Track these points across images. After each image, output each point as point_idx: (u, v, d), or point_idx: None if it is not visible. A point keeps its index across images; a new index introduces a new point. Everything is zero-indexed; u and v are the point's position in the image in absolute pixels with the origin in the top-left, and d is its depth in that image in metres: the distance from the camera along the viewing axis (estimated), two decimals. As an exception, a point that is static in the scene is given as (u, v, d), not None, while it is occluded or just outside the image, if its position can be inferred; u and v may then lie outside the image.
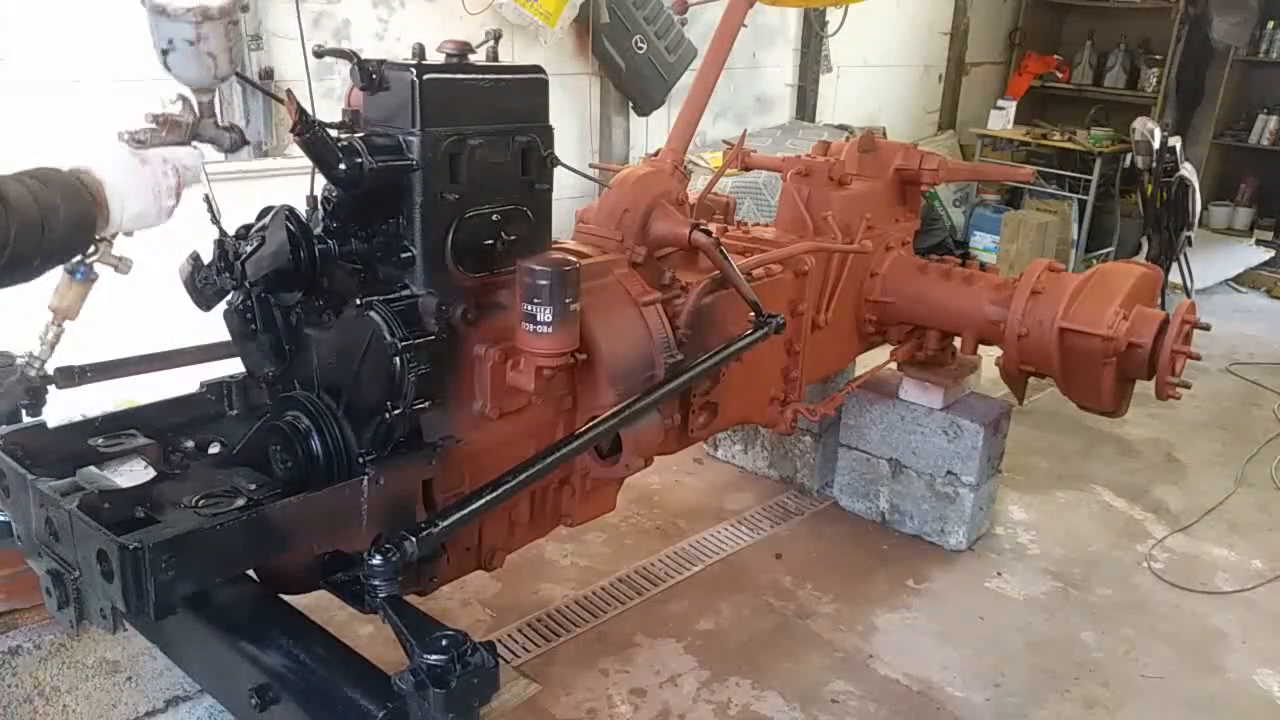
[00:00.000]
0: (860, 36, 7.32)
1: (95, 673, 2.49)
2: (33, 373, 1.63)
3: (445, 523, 1.90)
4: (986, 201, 8.02)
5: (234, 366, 2.31)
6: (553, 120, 2.27)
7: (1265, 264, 7.97)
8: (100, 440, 2.01)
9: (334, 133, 1.99)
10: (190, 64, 1.70)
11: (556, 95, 2.30)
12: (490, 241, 2.17)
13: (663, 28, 5.87)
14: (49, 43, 3.92)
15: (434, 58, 2.06)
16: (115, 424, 2.11)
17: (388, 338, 2.00)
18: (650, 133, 6.25)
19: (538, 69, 2.25)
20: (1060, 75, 9.08)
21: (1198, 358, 3.23)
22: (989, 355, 3.65)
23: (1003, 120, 8.25)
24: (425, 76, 1.99)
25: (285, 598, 2.18)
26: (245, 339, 2.18)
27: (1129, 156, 6.70)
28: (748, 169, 3.70)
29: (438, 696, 1.63)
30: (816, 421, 3.78)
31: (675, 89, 5.99)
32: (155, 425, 2.16)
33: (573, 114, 5.95)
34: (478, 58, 2.14)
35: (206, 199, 2.04)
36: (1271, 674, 3.19)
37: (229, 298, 2.15)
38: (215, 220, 2.08)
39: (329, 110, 2.27)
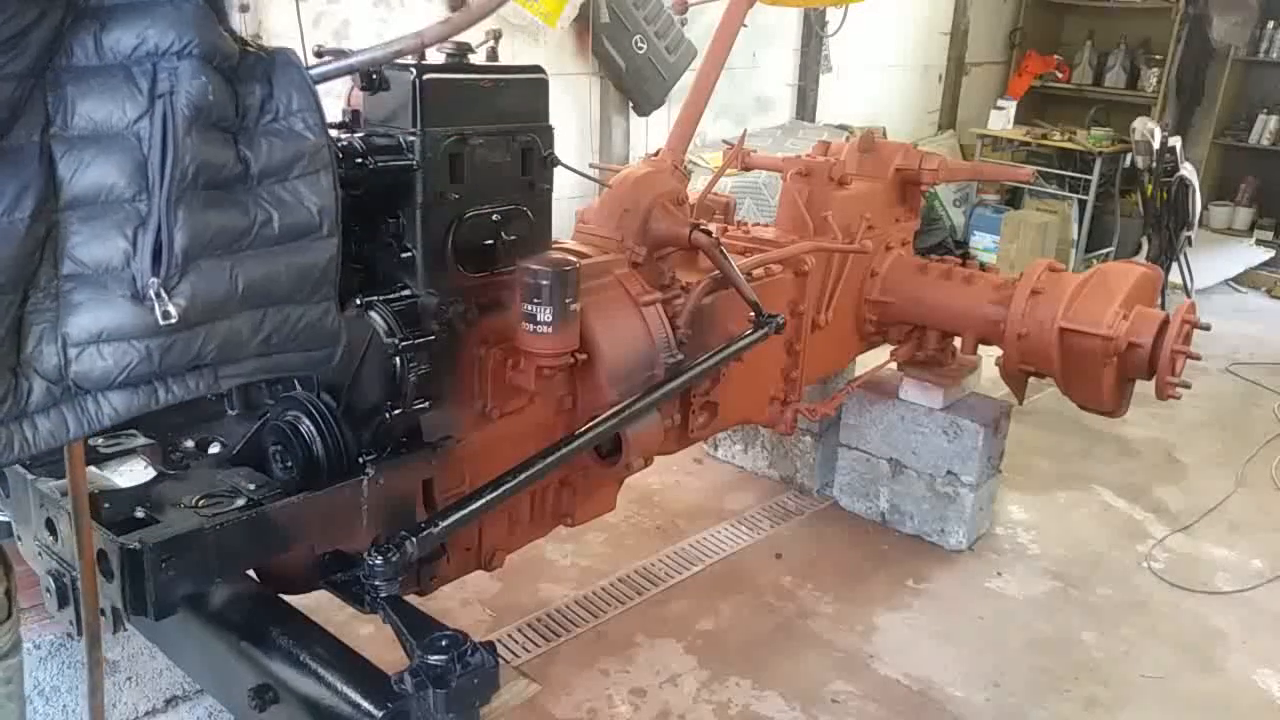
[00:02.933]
0: (860, 36, 7.30)
1: (95, 672, 2.48)
2: None
3: (445, 523, 1.90)
4: (986, 201, 8.02)
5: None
6: (553, 120, 2.27)
7: (1265, 264, 7.97)
8: (100, 440, 2.01)
9: (334, 133, 1.99)
10: None
11: (556, 95, 2.30)
12: (490, 241, 2.17)
13: (663, 28, 5.86)
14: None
15: (434, 58, 2.05)
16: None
17: (387, 338, 2.00)
18: (650, 133, 6.24)
19: (538, 69, 2.25)
20: (1060, 75, 9.06)
21: (1198, 358, 3.24)
22: (989, 355, 3.65)
23: (1003, 120, 8.25)
24: (425, 77, 1.99)
25: (285, 598, 2.17)
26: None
27: (1129, 156, 6.72)
28: (748, 169, 3.70)
29: (438, 696, 1.63)
30: (816, 421, 3.78)
31: (675, 89, 5.98)
32: (155, 425, 2.15)
33: (573, 114, 5.94)
34: (478, 58, 2.14)
35: None
36: (1271, 674, 3.19)
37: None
38: None
39: (329, 110, 2.26)
